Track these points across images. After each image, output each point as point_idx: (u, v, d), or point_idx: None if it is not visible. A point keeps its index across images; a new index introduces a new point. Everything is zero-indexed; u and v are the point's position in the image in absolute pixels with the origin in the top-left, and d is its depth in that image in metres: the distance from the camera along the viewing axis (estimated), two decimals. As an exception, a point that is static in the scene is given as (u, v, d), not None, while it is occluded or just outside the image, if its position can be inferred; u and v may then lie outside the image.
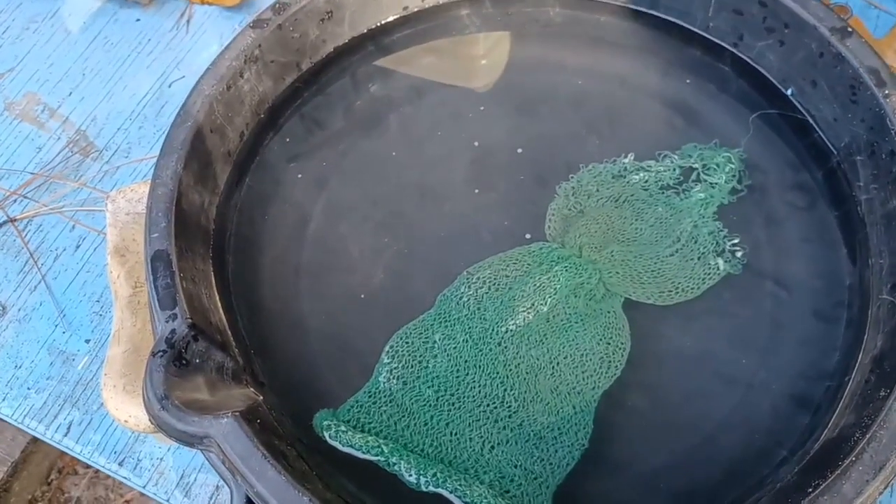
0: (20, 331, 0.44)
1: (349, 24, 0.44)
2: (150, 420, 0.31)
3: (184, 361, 0.32)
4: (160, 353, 0.32)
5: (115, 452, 0.40)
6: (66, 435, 0.41)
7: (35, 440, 0.74)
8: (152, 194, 0.36)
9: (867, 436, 0.27)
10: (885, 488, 0.26)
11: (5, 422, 0.42)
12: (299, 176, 0.41)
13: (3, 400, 0.42)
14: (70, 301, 0.45)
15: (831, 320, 0.35)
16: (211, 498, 0.39)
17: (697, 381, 0.34)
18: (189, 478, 0.39)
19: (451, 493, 0.32)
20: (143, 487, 0.39)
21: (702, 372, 0.35)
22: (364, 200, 0.40)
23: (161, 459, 0.40)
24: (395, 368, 0.35)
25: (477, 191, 0.40)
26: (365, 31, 0.45)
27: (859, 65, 0.36)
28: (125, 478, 0.40)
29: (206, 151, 0.38)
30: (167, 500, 0.39)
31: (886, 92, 0.35)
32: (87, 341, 0.43)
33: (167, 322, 0.33)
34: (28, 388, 0.42)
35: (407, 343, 0.35)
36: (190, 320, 0.33)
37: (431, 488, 0.32)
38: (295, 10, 0.41)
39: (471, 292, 0.36)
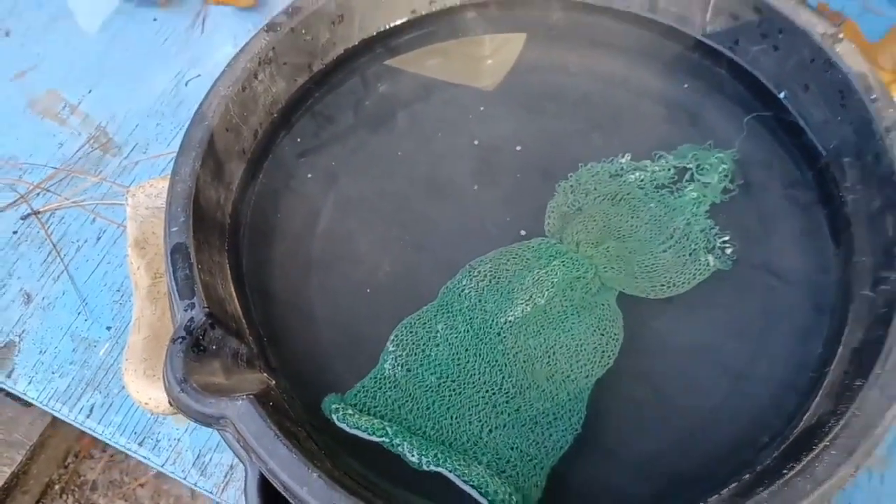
0: (44, 318, 0.46)
1: (359, 26, 0.46)
2: (169, 402, 0.33)
3: (201, 348, 0.34)
4: (179, 340, 0.34)
5: (135, 433, 0.43)
6: (88, 416, 0.43)
7: (53, 424, 0.77)
8: (171, 190, 0.38)
9: (841, 423, 0.29)
10: (855, 472, 0.28)
11: (26, 406, 0.44)
12: (309, 175, 0.43)
13: (30, 383, 0.44)
14: (91, 290, 0.47)
15: (817, 314, 0.37)
16: (225, 476, 0.41)
17: (688, 370, 0.36)
18: (205, 457, 0.42)
19: (450, 472, 0.34)
20: (162, 466, 0.41)
21: (692, 362, 0.36)
22: (372, 196, 0.42)
23: (178, 440, 0.42)
24: (399, 356, 0.37)
25: (480, 187, 0.42)
26: (374, 33, 0.46)
27: (848, 70, 0.38)
28: (144, 457, 0.42)
29: (222, 150, 0.40)
30: (184, 478, 0.41)
31: (873, 97, 0.37)
32: (108, 328, 0.46)
33: (186, 311, 0.35)
34: (52, 373, 0.45)
35: (411, 332, 0.37)
36: (207, 309, 0.35)
37: (432, 467, 0.34)
38: (307, 13, 0.43)
39: (472, 285, 0.38)
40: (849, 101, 0.38)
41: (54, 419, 0.95)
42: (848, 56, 0.38)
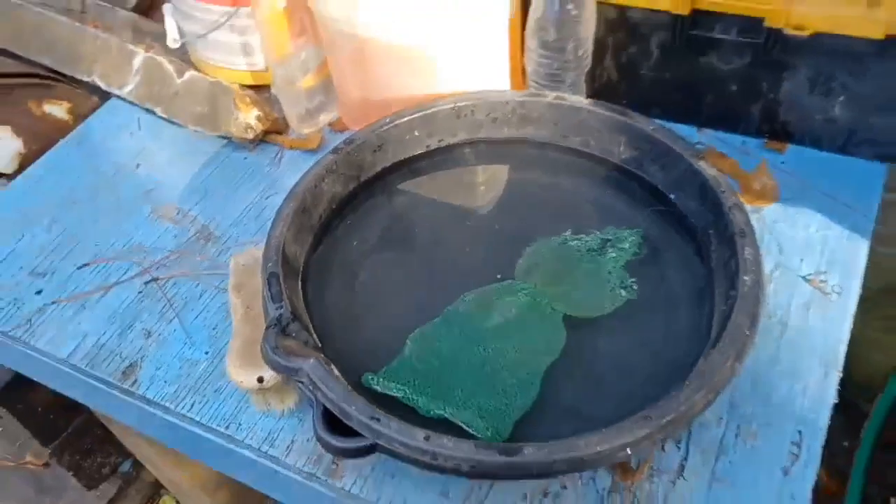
0: (160, 347, 0.65)
1: (392, 154, 0.68)
2: (264, 360, 0.51)
3: (286, 332, 0.53)
4: (273, 326, 0.53)
5: (223, 420, 0.59)
6: (189, 410, 0.60)
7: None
8: (267, 242, 0.58)
9: (697, 370, 0.46)
10: (713, 396, 0.45)
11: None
12: (355, 244, 0.64)
13: (148, 389, 0.62)
14: (194, 329, 0.66)
15: (698, 321, 0.55)
16: (287, 448, 0.57)
17: (610, 356, 0.54)
18: (274, 435, 0.58)
19: (449, 415, 0.51)
20: (242, 441, 0.58)
21: (615, 353, 0.54)
22: (397, 257, 0.63)
23: (255, 425, 0.59)
24: (414, 349, 0.55)
25: (470, 249, 0.62)
26: (402, 159, 0.69)
27: (706, 175, 0.59)
28: (230, 435, 0.59)
29: (300, 222, 0.61)
30: (258, 448, 0.57)
31: (722, 189, 0.58)
32: (206, 353, 0.64)
33: (276, 310, 0.54)
34: (164, 382, 0.62)
35: (422, 335, 0.56)
36: (290, 310, 0.54)
37: (435, 413, 0.51)
38: (358, 143, 0.66)
39: (465, 307, 0.57)
40: (708, 194, 0.59)
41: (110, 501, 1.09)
42: (705, 168, 0.60)
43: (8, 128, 0.88)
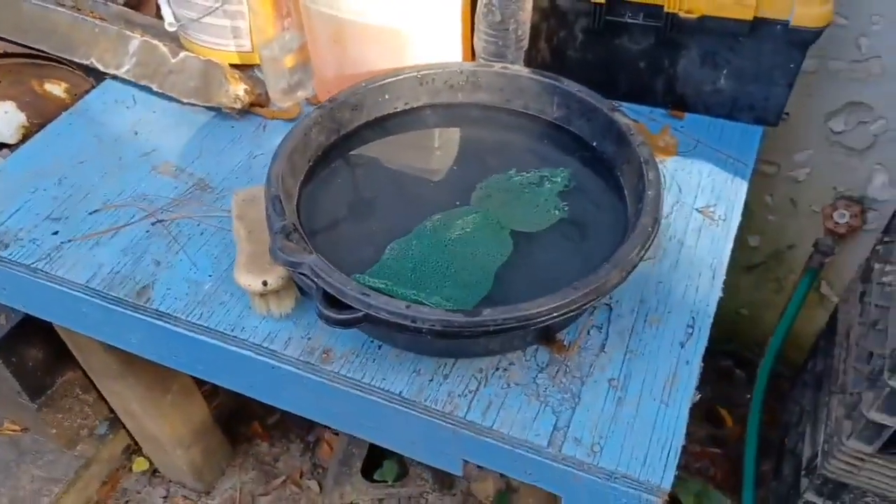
0: (170, 272, 0.76)
1: (366, 113, 0.82)
2: (272, 257, 0.64)
3: (288, 237, 0.65)
4: (278, 231, 0.65)
5: (229, 325, 0.71)
6: (198, 320, 0.72)
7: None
8: (269, 172, 0.70)
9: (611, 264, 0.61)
10: (621, 275, 0.60)
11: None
12: (338, 181, 0.77)
13: (160, 304, 0.73)
14: (198, 257, 0.77)
15: (615, 231, 0.70)
16: (285, 344, 0.70)
17: (549, 260, 0.69)
18: (273, 334, 0.70)
19: (423, 299, 0.64)
20: (245, 340, 0.70)
21: (551, 257, 0.69)
22: (374, 194, 0.76)
23: (256, 327, 0.71)
24: (392, 255, 0.68)
25: (434, 185, 0.76)
26: (375, 117, 0.83)
27: (620, 124, 0.75)
28: (235, 336, 0.70)
29: (294, 161, 0.74)
30: (260, 344, 0.69)
31: (632, 133, 0.74)
32: (210, 276, 0.76)
33: (281, 221, 0.66)
34: (175, 299, 0.74)
35: (399, 244, 0.69)
36: (290, 222, 0.66)
37: (412, 298, 0.64)
38: (339, 101, 0.79)
39: (431, 224, 0.71)
40: (623, 138, 0.74)
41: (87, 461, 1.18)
42: (620, 118, 0.75)
43: (13, 103, 0.98)
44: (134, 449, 1.29)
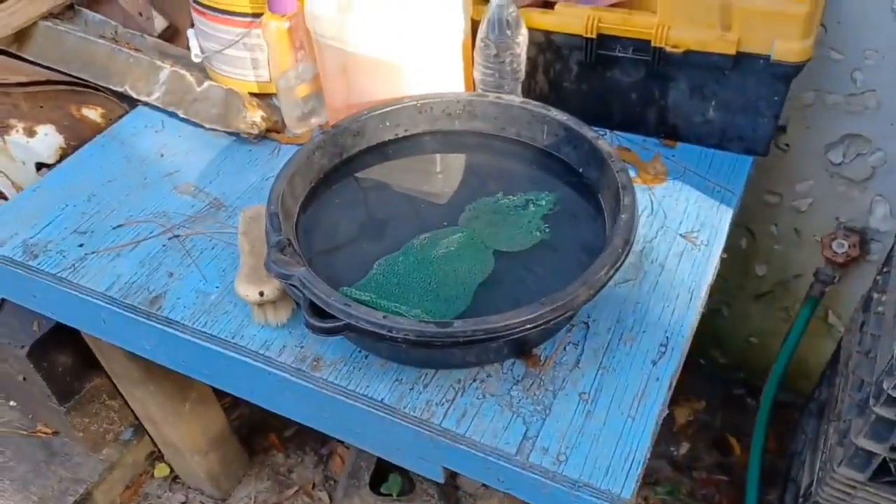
0: (181, 284, 0.82)
1: (367, 139, 0.88)
2: (266, 268, 0.69)
3: (283, 251, 0.71)
4: (274, 246, 0.71)
5: (230, 333, 0.77)
6: (203, 327, 0.78)
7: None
8: (271, 192, 0.76)
9: (582, 283, 0.65)
10: (593, 290, 0.64)
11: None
12: (337, 201, 0.82)
13: (170, 312, 0.79)
14: (207, 271, 0.83)
15: (592, 253, 0.73)
16: (279, 352, 0.75)
17: (528, 279, 0.72)
18: (269, 342, 0.75)
19: (404, 312, 0.68)
20: (244, 347, 0.75)
21: (530, 276, 0.73)
22: (369, 215, 0.81)
23: (254, 335, 0.76)
24: (380, 270, 0.73)
25: (425, 206, 0.81)
26: (375, 143, 0.88)
27: (603, 151, 0.79)
28: (235, 343, 0.76)
29: (295, 183, 0.80)
30: (256, 351, 0.75)
31: (612, 159, 0.77)
32: (217, 287, 0.81)
33: (277, 236, 0.72)
34: (184, 307, 0.80)
35: (386, 261, 0.74)
36: (285, 237, 0.72)
37: (394, 311, 0.68)
38: (341, 128, 0.85)
39: (419, 242, 0.76)
40: (604, 165, 0.78)
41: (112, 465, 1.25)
42: (603, 146, 0.79)
43: (53, 126, 1.07)
44: (157, 455, 1.36)
